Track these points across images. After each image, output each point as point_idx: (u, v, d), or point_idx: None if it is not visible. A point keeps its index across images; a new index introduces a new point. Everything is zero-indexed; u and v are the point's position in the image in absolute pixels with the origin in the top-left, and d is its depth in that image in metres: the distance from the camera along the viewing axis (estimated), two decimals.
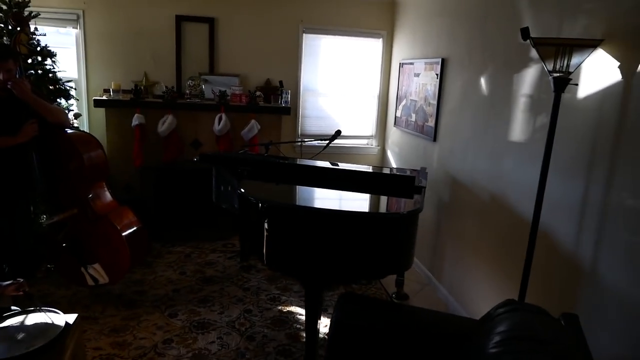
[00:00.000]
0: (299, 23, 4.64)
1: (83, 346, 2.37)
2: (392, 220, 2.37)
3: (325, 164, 3.30)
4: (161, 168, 4.45)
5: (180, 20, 4.44)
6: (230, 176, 3.16)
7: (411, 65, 4.36)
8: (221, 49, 4.58)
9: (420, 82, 4.14)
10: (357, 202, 2.83)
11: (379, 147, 5.16)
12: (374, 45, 4.96)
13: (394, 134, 4.87)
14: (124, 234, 3.20)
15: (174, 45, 4.48)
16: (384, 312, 2.14)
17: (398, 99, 4.69)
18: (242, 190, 2.66)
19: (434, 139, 3.84)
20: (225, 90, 4.41)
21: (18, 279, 2.26)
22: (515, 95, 2.80)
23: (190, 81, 4.48)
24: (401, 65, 4.62)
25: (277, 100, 4.54)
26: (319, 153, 3.67)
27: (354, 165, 3.48)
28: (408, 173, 3.26)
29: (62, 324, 2.14)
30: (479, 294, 3.20)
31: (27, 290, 2.22)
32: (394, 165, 4.86)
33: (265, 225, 2.47)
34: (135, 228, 3.35)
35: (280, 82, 4.60)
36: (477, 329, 1.86)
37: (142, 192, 4.49)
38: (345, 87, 5.01)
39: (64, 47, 4.35)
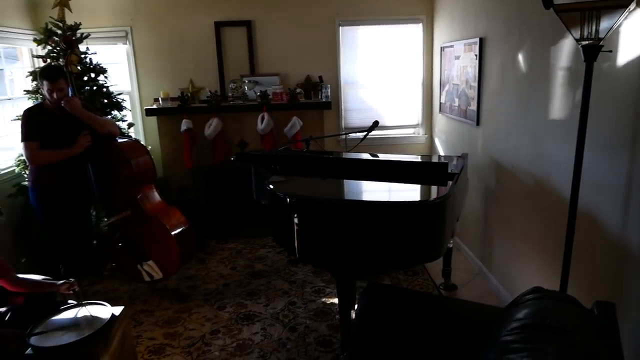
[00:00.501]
0: (334, 17, 4.65)
1: (131, 336, 2.56)
2: (417, 209, 2.33)
3: (358, 156, 3.29)
4: (210, 170, 4.66)
5: (219, 26, 4.61)
6: (266, 173, 3.24)
7: (451, 48, 4.23)
8: (260, 50, 4.70)
9: (460, 64, 4.00)
10: (386, 191, 2.81)
11: (426, 136, 5.05)
12: (413, 31, 4.85)
13: (439, 121, 4.75)
14: (172, 232, 3.39)
15: (215, 51, 4.66)
16: (409, 302, 2.12)
17: (441, 85, 4.57)
18: (271, 186, 2.73)
19: (477, 123, 3.71)
20: (266, 90, 4.52)
21: (70, 279, 2.48)
22: (554, 69, 2.65)
23: (232, 84, 4.64)
24: (442, 49, 4.50)
25: (317, 95, 4.59)
26: (356, 145, 3.67)
27: (392, 155, 3.44)
28: (455, 161, 3.16)
29: (109, 315, 2.32)
30: (528, 283, 3.05)
31: (76, 290, 2.44)
32: (441, 153, 4.74)
33: (294, 219, 2.53)
34: (183, 227, 3.54)
35: (320, 77, 4.64)
36: (500, 317, 1.79)
37: (196, 193, 4.72)
38: (387, 77, 4.95)
39: (116, 62, 4.68)
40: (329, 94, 4.56)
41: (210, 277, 3.91)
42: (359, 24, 4.77)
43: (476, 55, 3.62)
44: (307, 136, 4.08)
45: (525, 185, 3.02)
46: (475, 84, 3.66)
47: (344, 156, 3.28)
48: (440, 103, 4.62)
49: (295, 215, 2.52)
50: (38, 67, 3.86)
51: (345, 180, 2.98)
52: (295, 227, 2.53)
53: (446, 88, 4.43)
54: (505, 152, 3.28)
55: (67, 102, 3.11)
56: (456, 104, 4.17)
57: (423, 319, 1.99)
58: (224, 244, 4.61)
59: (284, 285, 3.71)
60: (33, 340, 2.15)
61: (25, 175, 3.66)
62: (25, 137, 3.12)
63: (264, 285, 3.73)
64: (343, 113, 4.91)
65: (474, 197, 3.82)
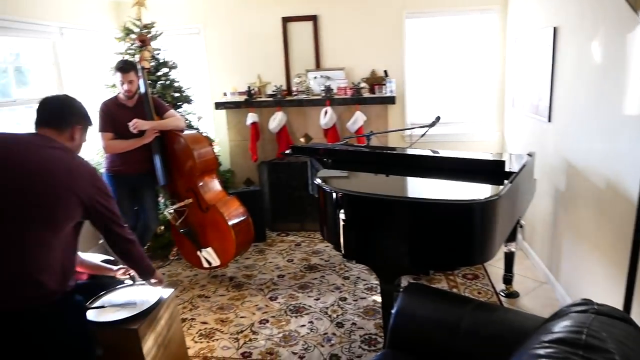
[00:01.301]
0: (401, 9, 4.53)
1: (179, 318, 2.68)
2: (463, 208, 2.21)
3: (411, 151, 3.19)
4: (274, 162, 4.76)
5: (285, 21, 4.68)
6: (319, 166, 3.25)
7: (523, 39, 3.95)
8: (325, 44, 4.70)
9: (533, 56, 3.73)
10: (434, 189, 2.69)
11: (498, 133, 4.77)
12: (485, 22, 4.59)
13: (511, 117, 4.46)
14: (229, 222, 3.51)
15: (282, 46, 4.74)
16: (446, 305, 2.01)
17: (513, 78, 4.28)
18: (318, 179, 2.73)
19: (549, 119, 3.43)
20: (330, 84, 4.52)
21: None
22: (631, 59, 2.37)
23: (297, 78, 4.69)
24: (514, 40, 4.22)
25: (381, 90, 4.50)
26: (416, 141, 3.56)
27: (449, 151, 3.29)
28: (525, 159, 2.95)
29: (158, 297, 2.45)
30: (597, 295, 2.78)
31: (132, 274, 2.60)
32: (511, 151, 4.45)
33: (339, 214, 2.51)
34: (241, 217, 3.65)
35: (385, 71, 4.54)
36: (539, 328, 1.65)
37: (260, 185, 4.85)
38: (455, 71, 4.73)
39: (189, 58, 4.92)
40: (394, 88, 4.46)
41: (267, 267, 3.99)
42: (427, 16, 4.61)
43: (550, 45, 3.35)
44: (370, 131, 4.04)
45: (596, 187, 2.75)
46: (548, 77, 3.39)
47: (396, 151, 3.20)
48: (512, 98, 4.34)
49: (340, 210, 2.50)
50: None
51: (394, 176, 2.90)
52: (340, 222, 2.51)
53: (518, 81, 4.15)
54: (577, 150, 3.00)
55: (135, 127, 3.34)
56: (527, 98, 3.89)
57: (458, 323, 1.88)
58: (285, 236, 4.69)
59: (337, 280, 3.70)
60: (89, 314, 2.33)
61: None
62: (101, 128, 3.39)
63: (318, 279, 3.74)
64: (408, 108, 4.77)
65: (543, 200, 3.55)
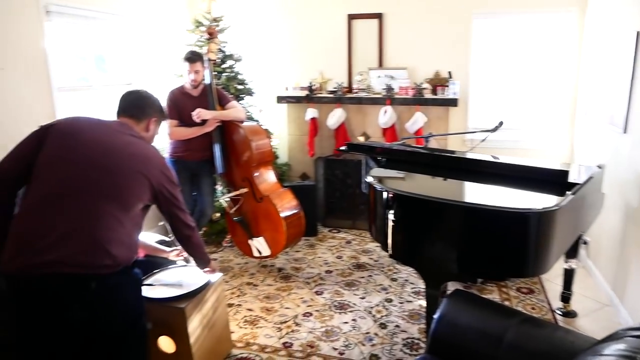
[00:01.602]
0: (470, 9, 4.38)
1: (224, 302, 2.77)
2: (519, 217, 2.11)
3: (472, 155, 3.08)
4: (330, 159, 4.77)
5: (351, 18, 4.67)
6: (373, 165, 3.22)
7: (603, 43, 3.70)
8: (389, 43, 4.65)
9: (611, 61, 3.49)
10: (489, 195, 2.59)
11: (567, 142, 4.51)
12: (560, 25, 4.34)
13: (582, 126, 4.21)
14: (281, 213, 3.57)
15: (345, 43, 4.74)
16: (491, 315, 1.94)
17: (588, 84, 4.03)
18: (369, 178, 2.71)
19: (624, 130, 3.20)
20: (391, 84, 4.47)
21: (179, 247, 2.77)
22: None
23: (358, 76, 4.68)
24: (591, 44, 3.96)
25: (444, 91, 4.39)
26: (475, 146, 3.44)
27: (509, 157, 3.16)
28: (593, 171, 2.78)
29: (206, 280, 2.55)
30: None
31: (184, 256, 2.72)
32: (580, 162, 4.19)
33: (388, 214, 2.48)
34: (293, 210, 3.70)
35: (449, 73, 4.42)
36: (589, 348, 1.55)
37: (315, 180, 4.88)
38: (524, 74, 4.51)
39: (254, 51, 5.02)
40: (457, 90, 4.33)
41: (316, 262, 4.02)
42: (496, 16, 4.43)
43: (631, 51, 3.12)
44: (429, 133, 3.96)
45: None
46: (627, 85, 3.16)
47: (455, 155, 3.11)
48: (585, 105, 4.09)
49: (390, 210, 2.48)
50: None
51: (450, 180, 2.82)
52: (389, 222, 2.48)
53: (592, 88, 3.90)
54: None
55: (198, 116, 3.48)
56: (602, 107, 3.64)
57: (501, 335, 1.80)
58: (336, 232, 4.70)
59: (384, 281, 3.66)
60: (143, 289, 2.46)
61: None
62: (167, 115, 3.55)
63: (365, 278, 3.72)
64: (471, 111, 4.62)
65: (611, 216, 3.32)
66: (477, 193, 2.72)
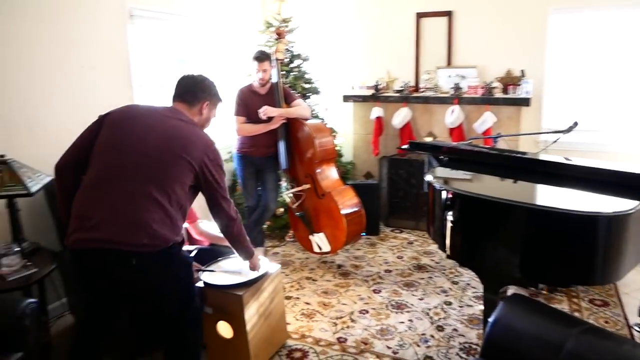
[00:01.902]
0: (547, 4, 4.16)
1: (282, 293, 2.85)
2: (587, 220, 1.99)
3: (541, 157, 2.93)
4: (395, 158, 4.73)
5: (419, 17, 4.61)
6: (436, 164, 3.16)
7: None
8: (458, 41, 4.53)
9: None
10: (557, 197, 2.45)
11: None
12: None
13: None
14: (342, 211, 3.61)
15: (413, 42, 4.68)
16: (552, 322, 1.84)
17: None
18: (429, 177, 2.67)
19: None
20: (459, 83, 4.35)
21: None
22: None
23: (425, 75, 4.60)
24: None
25: (516, 91, 4.21)
26: (547, 147, 3.27)
27: (587, 159, 2.96)
28: None
29: (264, 270, 2.64)
30: None
31: None
32: None
33: (447, 213, 2.44)
34: (354, 208, 3.73)
35: (522, 71, 4.23)
36: None
37: (379, 179, 4.86)
38: (604, 73, 4.21)
39: (322, 50, 5.09)
40: (530, 89, 4.14)
41: (376, 261, 4.01)
42: (576, 11, 4.18)
43: None
44: (498, 133, 3.83)
45: None
46: None
47: (520, 155, 2.97)
48: None
49: (449, 209, 2.43)
50: None
51: (514, 181, 2.71)
52: (448, 222, 2.44)
53: None
54: None
55: (264, 113, 3.59)
56: None
57: (561, 344, 1.71)
58: (398, 232, 4.66)
59: (444, 283, 3.58)
60: (203, 275, 2.60)
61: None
62: (235, 112, 3.71)
63: (425, 279, 3.66)
64: (544, 111, 4.39)
65: None
66: (546, 196, 2.59)
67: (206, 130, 2.25)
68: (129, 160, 1.95)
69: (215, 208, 2.17)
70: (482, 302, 3.26)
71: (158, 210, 1.92)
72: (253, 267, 2.53)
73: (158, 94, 3.92)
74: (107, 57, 3.42)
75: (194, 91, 2.18)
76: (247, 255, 2.45)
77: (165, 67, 4.05)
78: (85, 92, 3.24)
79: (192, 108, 2.17)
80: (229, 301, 2.49)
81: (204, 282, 2.56)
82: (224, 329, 2.58)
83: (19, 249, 2.59)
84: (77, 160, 2.03)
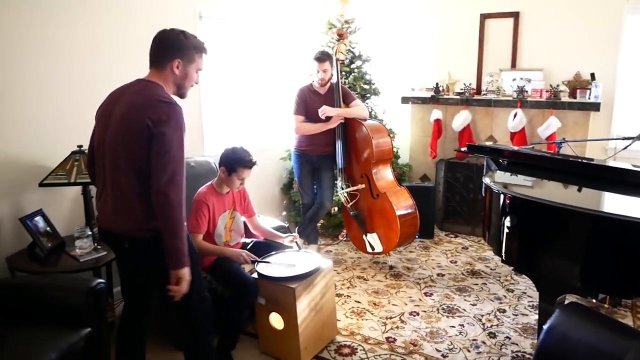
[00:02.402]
0: (622, 3, 3.95)
1: (333, 289, 2.90)
2: None
3: (611, 163, 2.80)
4: (453, 162, 4.66)
5: (484, 18, 4.51)
6: (495, 168, 3.10)
7: None
8: (524, 42, 4.40)
9: None
10: (629, 206, 2.33)
11: None
12: None
13: None
14: (397, 212, 3.61)
15: (476, 43, 4.59)
16: (610, 333, 1.78)
17: None
18: (487, 179, 2.63)
19: None
20: (524, 86, 4.22)
21: (293, 234, 2.98)
22: None
23: (488, 77, 4.50)
24: None
25: (584, 95, 4.02)
26: (615, 154, 3.12)
27: None
28: None
29: (317, 265, 2.70)
30: None
31: (297, 242, 2.91)
32: None
33: (505, 217, 2.40)
34: (408, 209, 3.72)
35: (592, 74, 4.04)
36: None
37: (435, 183, 4.81)
38: None
39: (383, 51, 5.10)
40: (600, 94, 3.94)
41: (428, 264, 3.98)
42: None
43: None
44: (563, 138, 3.69)
45: None
46: None
47: (588, 161, 2.86)
48: None
49: (506, 213, 2.39)
50: None
51: (579, 188, 2.61)
52: (505, 225, 2.40)
53: None
54: None
55: (323, 113, 3.66)
56: None
57: (620, 356, 1.65)
58: (453, 237, 4.58)
59: (499, 290, 3.50)
60: (259, 266, 2.70)
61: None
62: (295, 111, 3.80)
63: (479, 285, 3.59)
64: (616, 117, 4.16)
65: None
66: (613, 203, 2.48)
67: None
68: (107, 154, 1.95)
69: (151, 174, 1.86)
70: (537, 311, 3.17)
71: (134, 197, 1.90)
72: (178, 280, 1.93)
73: (223, 93, 4.09)
74: None
75: (159, 51, 1.97)
76: (173, 257, 1.90)
77: (231, 66, 4.21)
78: None
79: (162, 71, 1.96)
80: (282, 293, 2.57)
81: (258, 274, 2.66)
82: (276, 320, 2.67)
83: (90, 233, 2.80)
84: (90, 159, 2.15)
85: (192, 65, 2.00)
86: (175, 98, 2.01)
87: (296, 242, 2.93)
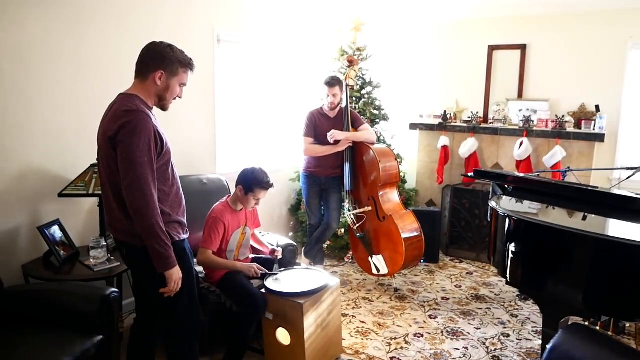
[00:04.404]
0: (626, 39, 4.08)
1: (339, 307, 2.94)
2: None
3: (615, 191, 2.87)
4: (459, 188, 4.73)
5: (492, 49, 4.65)
6: (500, 193, 3.17)
7: None
8: (531, 74, 4.52)
9: None
10: (628, 230, 2.39)
11: None
12: None
13: None
14: (402, 235, 3.66)
15: (484, 73, 4.72)
16: (612, 354, 1.81)
17: None
18: (493, 203, 2.70)
19: None
20: (530, 115, 4.33)
21: (277, 248, 3.02)
22: None
23: (495, 106, 4.61)
24: None
25: (589, 126, 4.12)
26: (619, 183, 3.18)
27: None
28: None
29: (325, 282, 2.76)
30: None
31: (278, 256, 2.96)
32: None
33: (510, 238, 2.46)
34: (414, 233, 3.77)
35: (597, 106, 4.14)
36: None
37: (441, 208, 4.87)
38: None
39: (392, 78, 5.24)
40: (604, 125, 4.04)
41: (433, 288, 4.01)
42: None
43: None
44: (567, 167, 3.76)
45: None
46: None
47: (593, 189, 2.92)
48: None
49: (512, 235, 2.45)
50: None
51: (584, 215, 2.67)
52: (509, 246, 2.45)
53: None
54: None
55: (332, 137, 3.77)
56: None
57: None
58: (458, 262, 4.62)
59: (503, 315, 3.52)
60: (267, 281, 2.76)
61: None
62: (305, 133, 3.91)
63: (483, 310, 3.61)
64: (620, 148, 4.24)
65: None
66: (616, 228, 2.54)
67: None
68: (100, 169, 2.09)
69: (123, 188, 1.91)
70: (541, 336, 3.19)
71: (117, 207, 1.99)
72: (170, 281, 2.01)
73: (236, 113, 4.22)
74: (196, 78, 3.74)
75: (144, 61, 2.01)
76: (157, 256, 1.96)
77: (245, 88, 4.35)
78: (174, 110, 3.57)
79: (144, 81, 2.00)
80: (290, 308, 2.62)
81: (267, 289, 2.71)
82: (283, 336, 2.71)
83: (105, 244, 2.88)
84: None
85: (175, 78, 2.04)
86: (158, 111, 2.11)
87: (276, 255, 2.98)
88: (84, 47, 2.96)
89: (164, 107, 2.12)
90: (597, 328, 2.96)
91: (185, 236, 2.17)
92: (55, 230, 2.84)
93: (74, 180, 2.86)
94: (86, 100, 2.98)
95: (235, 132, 4.23)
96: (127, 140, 1.86)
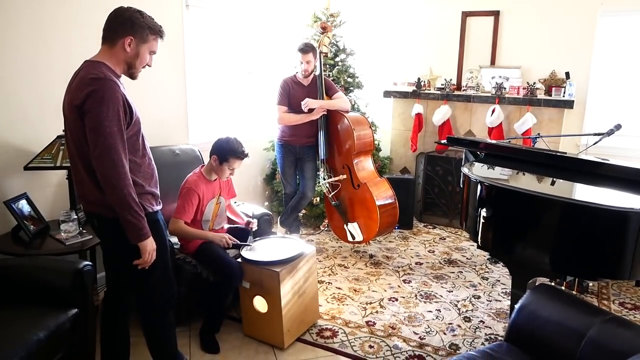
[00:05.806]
0: (597, 6, 4.12)
1: (315, 274, 2.98)
2: (618, 216, 2.03)
3: (582, 156, 2.95)
4: (432, 155, 4.79)
5: (465, 15, 4.64)
6: (473, 160, 3.22)
7: None
8: (504, 41, 4.55)
9: None
10: (596, 195, 2.48)
11: None
12: None
13: None
14: (377, 202, 3.71)
15: (457, 40, 4.72)
16: (576, 311, 1.90)
17: None
18: (465, 169, 2.74)
19: None
20: (502, 82, 4.37)
21: (253, 220, 3.02)
22: None
23: (468, 73, 4.63)
24: None
25: (559, 92, 4.19)
26: (586, 149, 3.27)
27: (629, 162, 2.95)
28: None
29: (300, 251, 2.78)
30: None
31: (253, 227, 2.97)
32: None
33: (481, 204, 2.51)
34: (388, 200, 3.82)
35: (567, 73, 4.20)
36: None
37: (415, 175, 4.93)
38: None
39: (366, 45, 5.18)
40: (574, 92, 4.11)
41: (407, 253, 4.10)
42: (625, 14, 4.11)
43: None
44: (537, 134, 3.83)
45: None
46: None
47: (561, 154, 3.00)
48: None
49: (483, 201, 2.51)
50: None
51: (552, 180, 2.74)
52: (481, 212, 2.51)
53: None
54: None
55: (306, 105, 3.74)
56: None
57: (584, 332, 1.77)
58: (431, 228, 4.72)
59: (474, 278, 3.63)
60: (244, 251, 2.77)
61: None
62: (278, 101, 3.86)
63: (455, 273, 3.72)
64: (588, 114, 4.35)
65: None
66: (582, 193, 2.62)
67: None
68: (67, 139, 2.02)
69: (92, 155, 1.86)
70: (510, 297, 3.32)
71: (87, 178, 1.95)
72: (145, 253, 1.99)
73: (208, 82, 4.12)
74: (165, 46, 3.61)
75: (111, 27, 1.94)
76: (129, 227, 1.93)
77: (216, 56, 4.24)
78: (143, 79, 3.46)
79: (112, 48, 1.94)
80: (266, 277, 2.64)
81: (243, 258, 2.72)
82: (260, 304, 2.74)
83: (76, 217, 2.82)
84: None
85: (145, 45, 1.98)
86: (127, 79, 2.03)
87: (252, 227, 2.98)
88: (45, 12, 2.82)
89: (133, 76, 2.04)
90: (563, 288, 3.10)
91: (158, 207, 2.14)
92: (23, 205, 2.76)
93: (40, 152, 2.76)
94: (49, 68, 2.85)
95: (207, 102, 4.14)
96: (95, 109, 1.81)
